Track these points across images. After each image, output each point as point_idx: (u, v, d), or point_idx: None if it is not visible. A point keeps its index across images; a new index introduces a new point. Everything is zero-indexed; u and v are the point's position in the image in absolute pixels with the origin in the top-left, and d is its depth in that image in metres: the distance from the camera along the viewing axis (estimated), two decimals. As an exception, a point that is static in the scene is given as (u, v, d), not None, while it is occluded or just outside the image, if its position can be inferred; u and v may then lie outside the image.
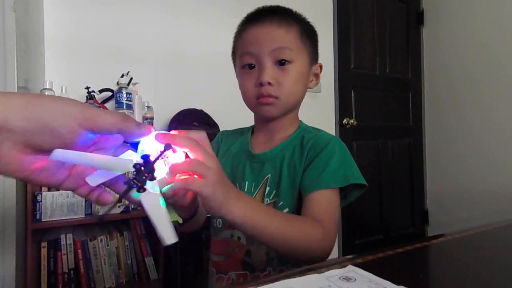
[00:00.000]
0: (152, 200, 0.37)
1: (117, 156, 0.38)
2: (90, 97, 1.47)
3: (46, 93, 1.35)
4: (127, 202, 1.45)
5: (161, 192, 0.38)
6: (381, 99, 2.55)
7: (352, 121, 2.34)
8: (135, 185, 0.36)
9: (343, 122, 2.32)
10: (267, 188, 0.68)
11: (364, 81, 2.47)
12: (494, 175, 2.21)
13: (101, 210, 1.42)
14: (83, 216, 1.36)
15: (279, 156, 0.69)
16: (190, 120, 1.66)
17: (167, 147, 0.38)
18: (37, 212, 1.29)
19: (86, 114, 0.33)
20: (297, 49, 0.66)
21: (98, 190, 0.39)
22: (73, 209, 1.34)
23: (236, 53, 0.72)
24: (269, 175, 0.68)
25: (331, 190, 0.62)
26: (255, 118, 0.77)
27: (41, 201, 1.29)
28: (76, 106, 0.33)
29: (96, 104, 1.48)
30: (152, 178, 0.37)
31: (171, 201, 0.44)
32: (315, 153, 0.65)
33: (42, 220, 1.29)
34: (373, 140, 2.46)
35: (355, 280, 0.32)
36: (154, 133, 0.38)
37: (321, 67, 0.74)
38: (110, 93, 1.58)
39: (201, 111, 1.73)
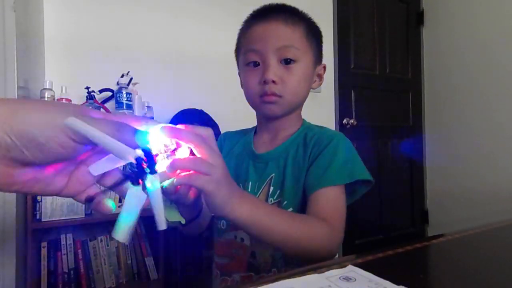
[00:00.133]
0: (135, 197, 0.35)
1: None
2: (90, 97, 1.47)
3: (46, 93, 1.35)
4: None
5: (162, 187, 0.37)
6: (381, 99, 2.54)
7: (352, 121, 2.34)
8: (131, 177, 0.35)
9: (343, 122, 2.32)
10: (271, 188, 0.67)
11: (364, 81, 2.47)
12: (494, 175, 2.21)
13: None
14: (83, 216, 1.36)
15: (283, 155, 0.68)
16: (190, 120, 1.66)
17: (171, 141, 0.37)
18: (37, 212, 1.29)
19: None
20: (303, 48, 0.66)
21: (98, 197, 0.37)
22: (73, 209, 1.34)
23: (240, 50, 0.70)
24: (273, 174, 0.67)
25: (336, 187, 0.60)
26: (257, 117, 0.75)
27: (41, 201, 1.29)
28: (64, 116, 0.30)
29: (96, 104, 1.48)
30: (153, 172, 0.35)
31: (173, 197, 0.43)
32: (319, 149, 0.64)
33: (42, 220, 1.29)
34: (373, 140, 2.46)
35: (355, 280, 0.32)
36: (160, 125, 0.37)
37: (324, 68, 0.73)
38: (110, 93, 1.58)
39: (201, 111, 1.73)
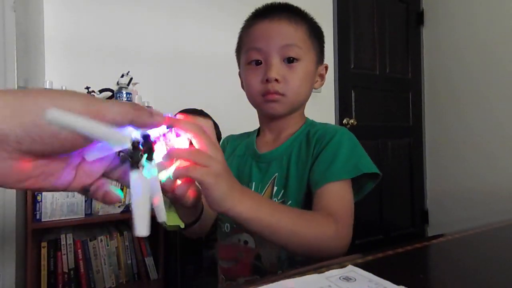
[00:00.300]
0: (141, 182, 0.34)
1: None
2: (90, 97, 1.47)
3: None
4: (127, 202, 1.45)
5: (161, 182, 0.36)
6: (381, 99, 2.55)
7: (352, 121, 2.34)
8: (128, 160, 0.33)
9: (343, 122, 2.32)
10: (275, 188, 0.65)
11: (364, 81, 2.47)
12: (494, 175, 2.21)
13: (101, 210, 1.42)
14: (83, 216, 1.36)
15: (286, 153, 0.67)
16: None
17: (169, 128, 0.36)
18: (37, 212, 1.29)
19: (91, 108, 0.29)
20: (306, 48, 0.65)
21: (104, 187, 0.36)
22: (73, 209, 1.34)
23: (242, 49, 0.69)
24: (276, 174, 0.66)
25: (342, 182, 0.58)
26: (259, 118, 0.74)
27: (41, 201, 1.29)
28: (78, 101, 0.29)
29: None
30: (150, 158, 0.34)
31: (170, 195, 0.41)
32: (322, 145, 0.63)
33: (42, 220, 1.29)
34: (373, 140, 2.46)
35: (355, 280, 0.32)
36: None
37: (326, 68, 0.73)
38: (110, 93, 1.58)
39: (201, 111, 1.73)
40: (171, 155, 0.36)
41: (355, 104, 2.41)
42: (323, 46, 0.72)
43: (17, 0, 1.16)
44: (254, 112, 0.74)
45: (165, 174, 0.37)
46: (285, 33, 0.64)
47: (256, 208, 0.45)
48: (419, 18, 2.70)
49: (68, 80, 1.52)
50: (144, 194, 0.33)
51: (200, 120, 0.39)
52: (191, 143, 0.39)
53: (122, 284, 1.47)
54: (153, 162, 0.35)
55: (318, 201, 0.58)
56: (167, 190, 0.39)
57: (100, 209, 1.43)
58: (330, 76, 2.31)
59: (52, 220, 1.30)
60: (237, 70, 0.73)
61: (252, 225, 0.45)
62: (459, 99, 2.44)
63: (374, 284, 0.31)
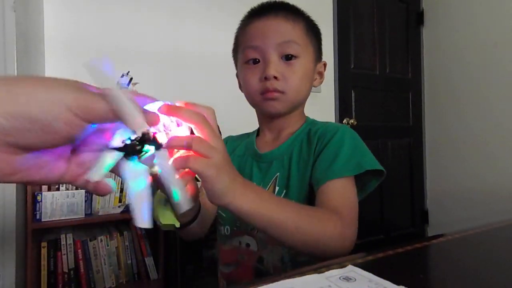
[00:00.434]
0: (137, 172, 0.32)
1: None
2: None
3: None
4: (127, 202, 1.45)
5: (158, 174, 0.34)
6: (381, 99, 2.54)
7: (352, 121, 2.34)
8: (129, 151, 0.32)
9: (343, 122, 2.32)
10: (277, 188, 0.64)
11: (364, 81, 2.47)
12: (494, 175, 2.21)
13: (101, 210, 1.42)
14: (83, 216, 1.36)
15: (287, 153, 0.66)
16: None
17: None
18: (37, 212, 1.29)
19: (80, 101, 0.28)
20: (304, 44, 0.64)
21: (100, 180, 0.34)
22: (73, 209, 1.34)
23: (239, 48, 0.68)
24: (278, 173, 0.65)
25: (345, 179, 0.57)
26: (258, 117, 0.73)
27: (41, 201, 1.29)
28: (68, 92, 0.28)
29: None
30: (159, 147, 0.33)
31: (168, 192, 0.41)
32: (324, 143, 0.62)
33: (42, 220, 1.29)
34: (373, 140, 2.46)
35: (355, 280, 0.32)
36: (157, 103, 0.35)
37: (325, 65, 0.72)
38: (110, 93, 1.58)
39: (201, 111, 1.73)
40: (172, 144, 0.35)
41: (355, 104, 2.41)
42: (321, 43, 0.71)
43: (17, 0, 1.16)
44: (254, 112, 0.74)
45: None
46: (283, 30, 0.63)
47: (259, 202, 0.43)
48: (419, 18, 2.70)
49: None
50: (141, 186, 0.32)
51: (201, 107, 0.38)
52: (192, 133, 0.37)
53: (122, 284, 1.47)
54: (152, 152, 0.33)
55: (320, 198, 0.56)
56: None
57: (100, 209, 1.43)
58: (330, 76, 2.31)
59: (52, 220, 1.30)
60: (236, 71, 0.73)
61: (254, 220, 0.43)
62: (459, 99, 2.44)
63: (374, 284, 0.31)
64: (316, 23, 0.70)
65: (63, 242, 1.37)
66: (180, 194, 0.34)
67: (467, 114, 2.38)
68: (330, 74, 2.31)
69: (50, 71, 1.55)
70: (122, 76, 1.58)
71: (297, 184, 0.63)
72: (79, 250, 1.39)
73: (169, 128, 0.36)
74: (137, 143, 0.32)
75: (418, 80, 2.70)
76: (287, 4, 0.68)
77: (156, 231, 1.49)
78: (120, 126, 0.31)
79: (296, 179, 0.63)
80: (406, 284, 0.30)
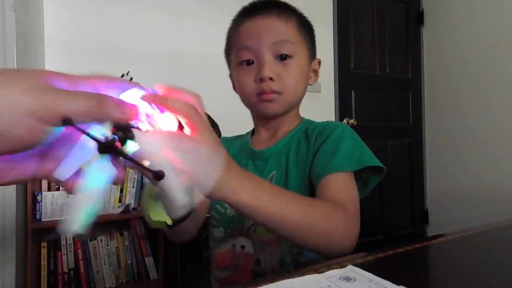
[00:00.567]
0: (103, 172, 0.29)
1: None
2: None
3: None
4: (127, 202, 1.45)
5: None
6: (381, 99, 2.54)
7: (352, 121, 2.34)
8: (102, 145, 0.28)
9: (343, 122, 2.32)
10: None
11: (364, 81, 2.47)
12: (494, 175, 2.21)
13: (101, 210, 1.42)
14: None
15: (284, 150, 0.64)
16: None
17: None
18: (37, 212, 1.29)
19: (43, 103, 0.24)
20: (298, 43, 0.63)
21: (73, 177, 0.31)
22: (73, 209, 1.34)
23: (231, 49, 0.66)
24: (274, 171, 0.63)
25: (346, 173, 0.55)
26: (253, 117, 0.72)
27: (41, 201, 1.29)
28: (28, 93, 0.24)
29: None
30: (131, 137, 0.30)
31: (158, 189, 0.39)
32: (323, 138, 0.61)
33: (42, 220, 1.29)
34: (373, 140, 2.46)
35: (355, 280, 0.32)
36: (135, 91, 0.31)
37: (319, 62, 0.70)
38: (110, 93, 1.58)
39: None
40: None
41: (355, 104, 2.41)
42: (314, 40, 0.69)
43: (17, 0, 1.16)
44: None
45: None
46: (276, 29, 0.61)
47: (259, 194, 0.41)
48: (419, 18, 2.70)
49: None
50: (100, 185, 0.29)
51: (187, 95, 0.36)
52: (180, 123, 0.35)
53: (122, 284, 1.47)
54: (131, 150, 0.30)
55: (321, 192, 0.54)
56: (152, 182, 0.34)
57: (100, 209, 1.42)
58: (330, 76, 2.31)
59: (52, 220, 1.30)
60: (229, 72, 0.71)
61: (255, 213, 0.41)
62: (459, 99, 2.44)
63: (374, 284, 0.31)
64: (309, 19, 0.69)
65: (63, 242, 1.37)
66: (181, 195, 0.32)
67: (467, 114, 2.38)
68: (330, 74, 2.31)
69: (50, 71, 1.54)
70: (122, 76, 1.58)
71: (296, 181, 0.61)
72: (79, 250, 1.39)
73: (154, 119, 0.33)
74: (117, 140, 0.29)
75: (418, 80, 2.70)
76: (279, 2, 0.66)
77: (156, 231, 1.49)
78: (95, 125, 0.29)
79: (294, 176, 0.62)
80: (406, 284, 0.30)
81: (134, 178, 1.48)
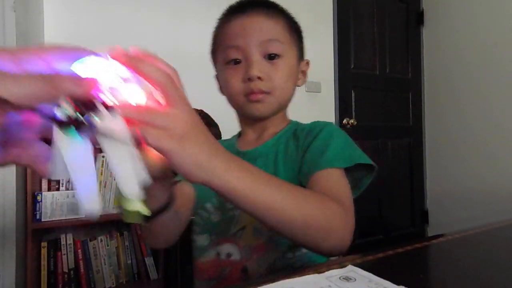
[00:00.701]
0: (78, 147, 0.27)
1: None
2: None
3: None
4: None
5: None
6: (381, 99, 2.55)
7: (352, 121, 2.34)
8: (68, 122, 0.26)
9: (343, 122, 2.32)
10: None
11: (364, 81, 2.47)
12: (494, 175, 2.21)
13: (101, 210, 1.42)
14: (83, 216, 1.36)
15: (272, 151, 0.62)
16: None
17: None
18: (37, 212, 1.29)
19: None
20: (287, 42, 0.61)
21: (42, 158, 0.28)
22: (73, 209, 1.34)
23: (218, 49, 0.65)
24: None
25: (337, 170, 0.53)
26: (240, 119, 0.69)
27: (41, 201, 1.29)
28: None
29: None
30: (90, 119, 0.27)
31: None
32: (313, 136, 0.59)
33: (42, 220, 1.29)
34: (373, 140, 2.46)
35: (355, 280, 0.32)
36: (94, 59, 0.28)
37: (308, 63, 0.68)
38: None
39: (201, 111, 1.73)
40: (123, 112, 0.29)
41: (355, 104, 2.41)
42: (303, 42, 0.68)
43: (17, 0, 1.16)
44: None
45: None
46: (265, 28, 0.59)
47: (249, 181, 0.37)
48: (419, 18, 2.70)
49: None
50: (86, 163, 0.28)
51: (165, 65, 0.33)
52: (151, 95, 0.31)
53: (122, 284, 1.47)
54: (98, 125, 0.28)
55: (312, 189, 0.51)
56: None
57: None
58: (330, 76, 2.31)
59: (52, 220, 1.30)
60: (215, 73, 0.69)
61: (243, 201, 0.37)
62: (459, 99, 2.44)
63: (374, 284, 0.31)
64: (297, 21, 0.67)
65: (63, 242, 1.37)
66: (141, 166, 0.30)
67: (467, 114, 2.38)
68: (330, 74, 2.31)
69: (50, 71, 1.55)
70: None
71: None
72: (79, 250, 1.39)
73: (117, 90, 0.29)
74: (79, 114, 0.26)
75: (418, 80, 2.70)
76: (267, 1, 0.64)
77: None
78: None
79: (284, 177, 0.58)
80: (406, 284, 0.30)
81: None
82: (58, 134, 0.26)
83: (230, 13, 0.63)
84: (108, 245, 1.46)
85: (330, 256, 0.47)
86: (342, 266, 0.36)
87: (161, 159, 0.34)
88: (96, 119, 0.27)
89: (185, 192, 0.61)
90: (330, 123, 0.63)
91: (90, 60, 0.28)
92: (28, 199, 1.26)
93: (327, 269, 0.35)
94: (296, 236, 0.42)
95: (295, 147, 0.61)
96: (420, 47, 2.71)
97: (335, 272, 0.34)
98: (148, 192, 0.41)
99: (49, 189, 1.35)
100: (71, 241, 1.38)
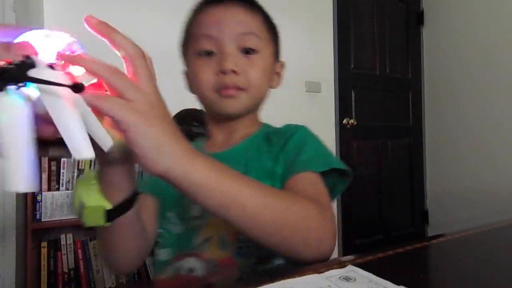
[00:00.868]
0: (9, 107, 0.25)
1: None
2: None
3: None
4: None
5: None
6: (381, 99, 2.55)
7: (352, 121, 2.34)
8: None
9: (343, 122, 2.32)
10: None
11: (364, 81, 2.47)
12: (494, 175, 2.21)
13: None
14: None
15: (242, 155, 0.56)
16: (190, 120, 1.66)
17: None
18: (37, 212, 1.29)
19: None
20: (264, 38, 0.57)
21: None
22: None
23: (189, 39, 0.59)
24: None
25: (312, 173, 0.49)
26: (207, 117, 0.63)
27: (41, 201, 1.29)
28: None
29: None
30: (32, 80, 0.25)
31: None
32: (285, 139, 0.55)
33: (42, 220, 1.29)
34: (373, 140, 2.46)
35: (355, 280, 0.32)
36: (37, 32, 0.27)
37: (282, 65, 0.64)
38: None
39: (201, 111, 1.73)
40: (71, 61, 0.27)
41: (355, 104, 2.41)
42: (279, 42, 0.63)
43: (17, 0, 1.16)
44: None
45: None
46: (242, 20, 0.55)
47: (213, 174, 0.34)
48: (419, 18, 2.70)
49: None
50: (16, 120, 0.25)
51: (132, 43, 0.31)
52: (99, 84, 0.29)
53: (122, 284, 1.47)
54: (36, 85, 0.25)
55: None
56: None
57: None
58: (330, 76, 2.31)
59: (52, 220, 1.30)
60: (184, 69, 0.63)
61: (207, 195, 0.33)
62: (459, 99, 2.44)
63: (374, 284, 0.31)
64: (274, 20, 0.62)
65: (63, 242, 1.37)
66: (99, 129, 0.28)
67: (467, 114, 2.38)
68: (330, 74, 2.31)
69: (50, 71, 1.55)
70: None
71: None
72: (79, 250, 1.39)
73: (59, 65, 0.28)
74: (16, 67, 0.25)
75: (418, 80, 2.70)
76: None
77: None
78: None
79: None
80: (406, 284, 0.30)
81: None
82: None
83: (206, 3, 0.58)
84: (108, 245, 1.46)
85: (312, 263, 0.39)
86: (342, 266, 0.36)
87: (120, 135, 0.31)
88: (33, 73, 0.25)
89: (148, 204, 0.55)
90: (303, 126, 0.59)
91: (29, 34, 0.27)
92: (28, 199, 1.26)
93: (327, 269, 0.35)
94: (270, 239, 0.38)
95: (267, 152, 0.56)
96: (420, 47, 2.71)
97: (335, 272, 0.34)
98: (107, 179, 0.39)
99: (49, 189, 1.35)
100: (71, 241, 1.39)
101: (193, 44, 0.56)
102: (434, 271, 0.39)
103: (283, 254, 0.42)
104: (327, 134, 2.25)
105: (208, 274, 0.50)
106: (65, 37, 0.30)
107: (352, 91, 2.40)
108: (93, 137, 0.28)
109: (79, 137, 0.26)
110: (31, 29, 0.27)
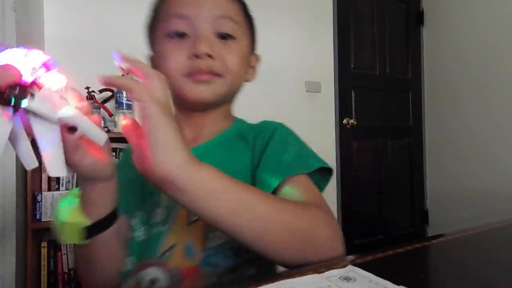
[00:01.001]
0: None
1: None
2: (90, 97, 1.47)
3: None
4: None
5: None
6: (381, 99, 2.55)
7: (352, 121, 2.34)
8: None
9: (343, 122, 2.32)
10: None
11: (364, 81, 2.47)
12: (494, 175, 2.21)
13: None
14: None
15: (214, 153, 0.51)
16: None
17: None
18: (37, 212, 1.29)
19: None
20: (241, 25, 0.53)
21: None
22: (73, 209, 1.34)
23: (158, 19, 0.52)
24: None
25: (301, 175, 0.47)
26: (176, 111, 0.55)
27: (41, 201, 1.29)
28: None
29: (96, 104, 1.48)
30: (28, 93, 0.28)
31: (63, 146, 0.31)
32: (265, 139, 0.51)
33: (42, 220, 1.29)
34: (373, 140, 2.46)
35: (355, 280, 0.32)
36: (15, 51, 0.30)
37: (257, 59, 0.59)
38: (110, 93, 1.58)
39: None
40: (134, 65, 0.35)
41: (355, 104, 2.41)
42: (255, 35, 0.58)
43: (17, 0, 1.16)
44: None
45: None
46: (219, 2, 0.50)
47: (219, 177, 0.34)
48: (419, 18, 2.71)
49: (68, 80, 1.52)
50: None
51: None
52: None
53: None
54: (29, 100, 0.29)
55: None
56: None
57: None
58: (330, 76, 2.31)
59: (52, 220, 1.30)
60: (150, 53, 0.57)
61: (214, 204, 0.33)
62: (459, 99, 2.44)
63: (374, 284, 0.31)
64: (251, 12, 0.57)
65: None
66: (93, 128, 0.32)
67: (467, 114, 2.38)
68: (330, 74, 2.31)
69: (50, 71, 1.55)
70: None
71: None
72: (79, 250, 1.39)
73: (41, 78, 0.32)
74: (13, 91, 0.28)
75: (418, 80, 2.71)
76: None
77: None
78: None
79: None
80: (406, 284, 0.30)
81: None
82: None
83: None
84: (108, 245, 1.46)
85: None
86: (342, 266, 0.36)
87: (101, 156, 0.34)
88: (23, 100, 0.28)
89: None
90: (281, 124, 0.55)
91: (9, 54, 0.29)
92: (28, 199, 1.26)
93: (327, 269, 0.35)
94: (278, 247, 0.37)
95: (244, 150, 0.52)
96: (420, 47, 2.71)
97: (335, 272, 0.34)
98: (87, 196, 0.39)
99: (49, 189, 1.35)
100: (71, 241, 1.39)
101: (163, 24, 0.51)
102: (434, 271, 0.39)
103: (290, 262, 0.38)
104: (327, 134, 2.25)
105: (171, 286, 0.46)
106: (40, 55, 0.32)
107: (352, 91, 2.40)
108: (89, 136, 0.32)
109: (56, 158, 0.30)
110: (5, 47, 0.29)
